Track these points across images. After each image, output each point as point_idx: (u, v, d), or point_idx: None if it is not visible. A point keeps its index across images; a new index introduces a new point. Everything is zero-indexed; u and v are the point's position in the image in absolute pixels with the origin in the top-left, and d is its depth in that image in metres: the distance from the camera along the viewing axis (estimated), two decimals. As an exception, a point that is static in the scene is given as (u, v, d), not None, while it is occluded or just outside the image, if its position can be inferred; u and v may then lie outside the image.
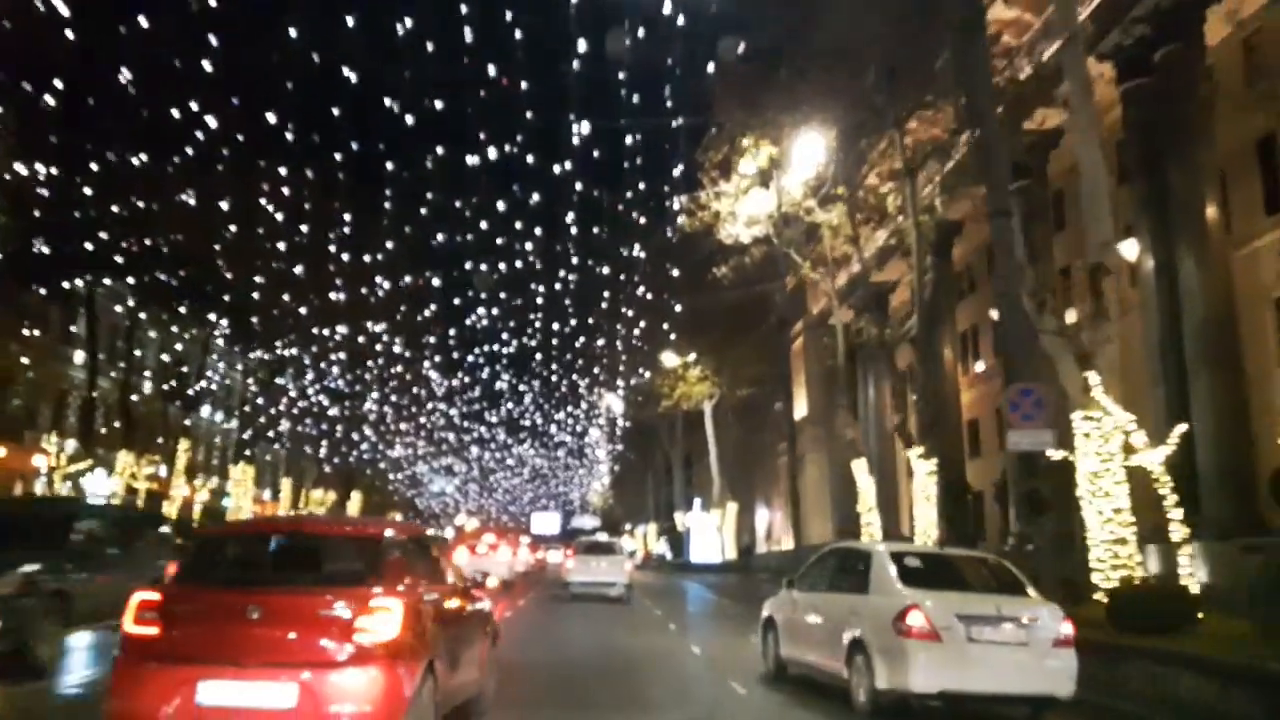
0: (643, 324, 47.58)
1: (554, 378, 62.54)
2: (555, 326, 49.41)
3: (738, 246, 28.93)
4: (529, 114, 27.74)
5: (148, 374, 44.28)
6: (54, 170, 28.86)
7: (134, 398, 40.36)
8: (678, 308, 42.45)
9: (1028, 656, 9.36)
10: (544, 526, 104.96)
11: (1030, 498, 16.79)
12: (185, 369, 43.92)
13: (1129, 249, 19.44)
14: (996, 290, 17.26)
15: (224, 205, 33.37)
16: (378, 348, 48.08)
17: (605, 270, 44.63)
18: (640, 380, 52.62)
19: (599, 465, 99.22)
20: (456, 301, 49.94)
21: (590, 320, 51.07)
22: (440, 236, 37.78)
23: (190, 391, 42.04)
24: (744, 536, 54.74)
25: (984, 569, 11.03)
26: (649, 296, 45.63)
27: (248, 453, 47.44)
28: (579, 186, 31.48)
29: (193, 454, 49.20)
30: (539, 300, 46.09)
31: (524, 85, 25.43)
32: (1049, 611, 9.70)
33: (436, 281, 45.32)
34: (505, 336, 54.65)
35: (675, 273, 41.10)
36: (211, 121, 29.10)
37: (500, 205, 36.62)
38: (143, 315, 39.56)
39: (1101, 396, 14.04)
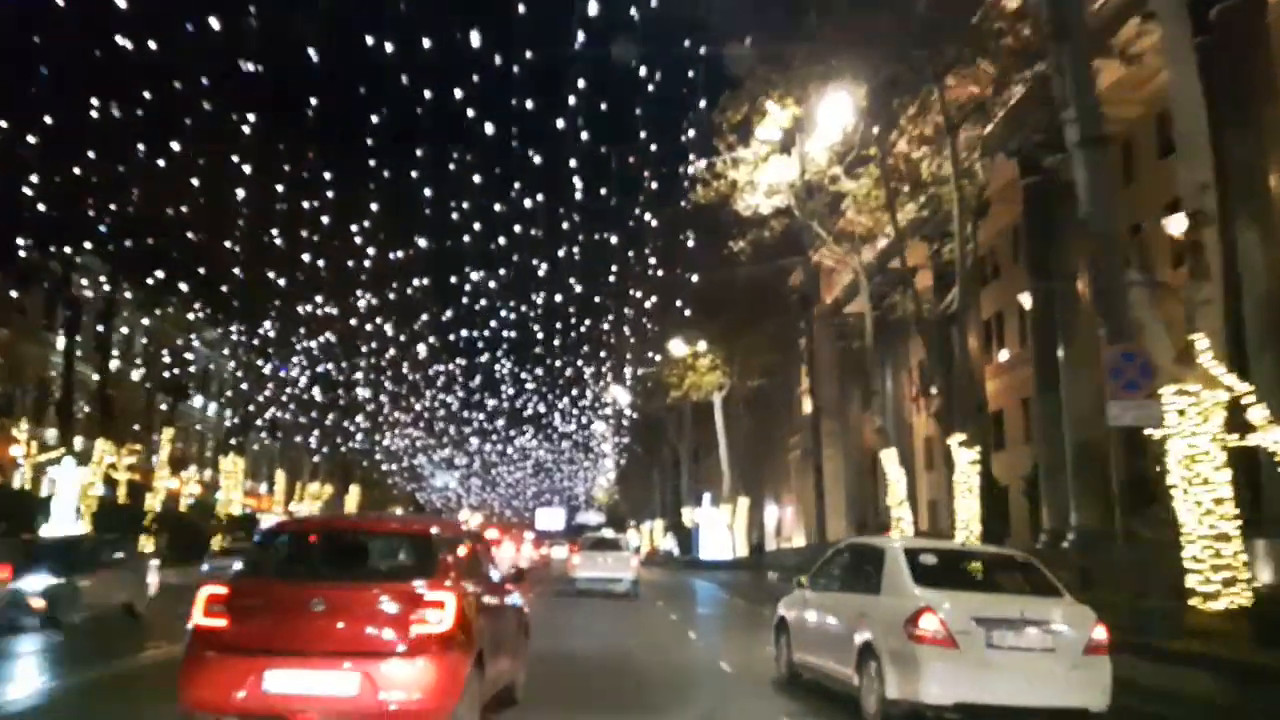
0: (653, 300, 45.59)
1: (557, 363, 60.49)
2: (559, 301, 47.26)
3: (756, 219, 26.72)
4: (528, 53, 24.98)
5: (131, 360, 41.93)
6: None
7: (113, 383, 38.22)
8: (693, 279, 40.52)
9: (1055, 665, 8.70)
10: (549, 522, 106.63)
11: (1134, 484, 14.69)
12: (168, 354, 41.65)
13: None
14: (1093, 228, 15.00)
15: (193, 167, 31.24)
16: (368, 328, 45.99)
17: (613, 240, 42.95)
18: (648, 368, 50.64)
19: (604, 460, 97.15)
20: (452, 279, 47.42)
21: (596, 298, 49.38)
22: (430, 195, 34.67)
23: (168, 375, 39.93)
24: (754, 533, 52.69)
25: (1010, 567, 10.31)
26: (659, 273, 43.52)
27: (236, 442, 45.37)
28: (584, 139, 28.89)
29: (182, 444, 47.43)
30: (541, 273, 44.23)
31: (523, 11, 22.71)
32: (1080, 615, 9.02)
33: (424, 242, 42.88)
34: (505, 314, 52.32)
35: (690, 243, 39.89)
36: (177, 78, 27.78)
37: (497, 168, 34.14)
38: (120, 294, 37.40)
39: (1211, 364, 12.69)
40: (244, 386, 48.40)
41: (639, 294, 47.04)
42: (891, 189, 23.67)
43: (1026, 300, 26.08)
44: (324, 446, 57.30)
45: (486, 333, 55.63)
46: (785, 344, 52.84)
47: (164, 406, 40.72)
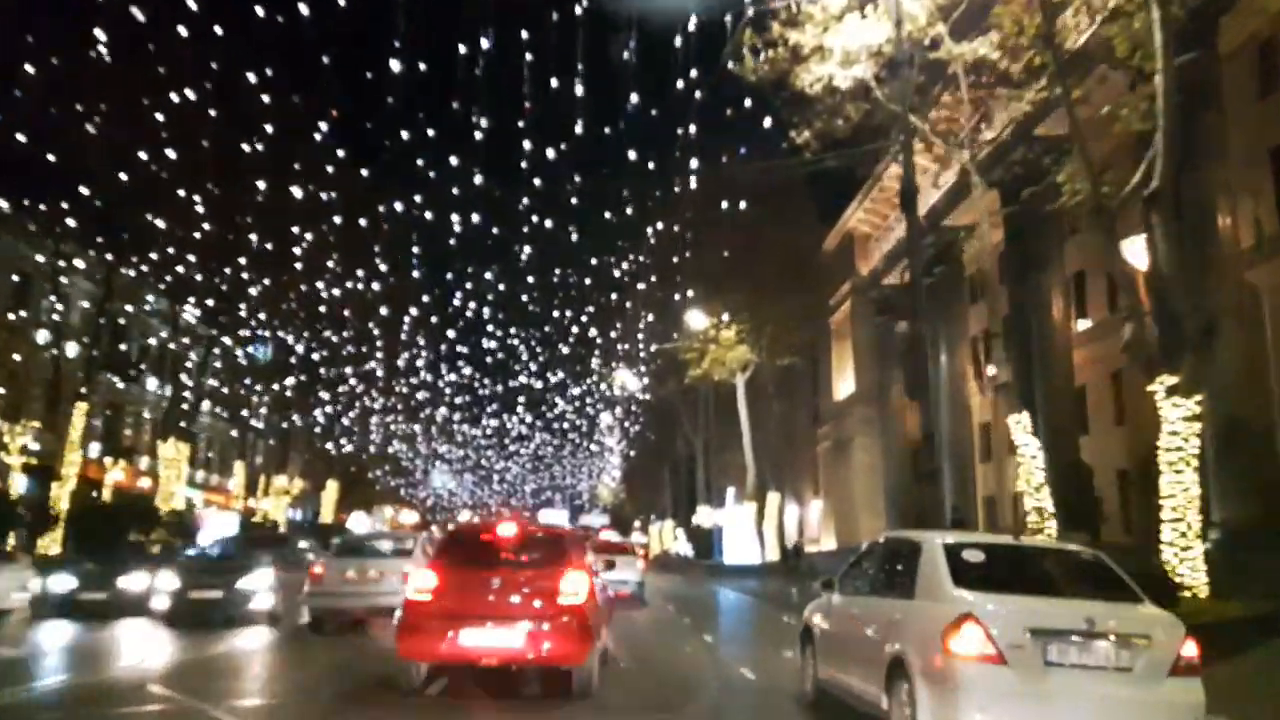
0: (672, 261, 39.45)
1: (555, 335, 54.32)
2: (557, 268, 41.22)
3: (823, 99, 19.84)
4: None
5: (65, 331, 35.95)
6: None
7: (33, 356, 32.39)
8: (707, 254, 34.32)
9: (1132, 688, 7.36)
10: (551, 523, 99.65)
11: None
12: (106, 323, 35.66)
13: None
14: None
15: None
16: (335, 292, 40.09)
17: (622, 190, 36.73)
18: (662, 345, 44.63)
19: (610, 456, 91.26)
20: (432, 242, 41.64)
21: (601, 258, 43.40)
22: (404, 138, 28.74)
23: (95, 350, 34.04)
24: (786, 534, 46.65)
25: (1074, 566, 8.87)
26: (674, 231, 37.51)
27: (183, 426, 39.19)
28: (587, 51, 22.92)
29: (114, 423, 41.39)
30: (534, 220, 38.10)
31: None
32: (1165, 624, 7.68)
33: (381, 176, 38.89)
34: (492, 279, 46.27)
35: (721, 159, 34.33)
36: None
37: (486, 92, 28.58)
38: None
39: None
40: (193, 358, 42.17)
41: (654, 252, 40.90)
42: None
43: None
44: (286, 430, 51.03)
45: (483, 308, 49.27)
46: (815, 325, 46.70)
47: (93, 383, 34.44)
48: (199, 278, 35.75)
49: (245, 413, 46.13)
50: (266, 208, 33.98)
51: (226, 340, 40.88)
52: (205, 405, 44.90)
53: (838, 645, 10.03)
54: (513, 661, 10.10)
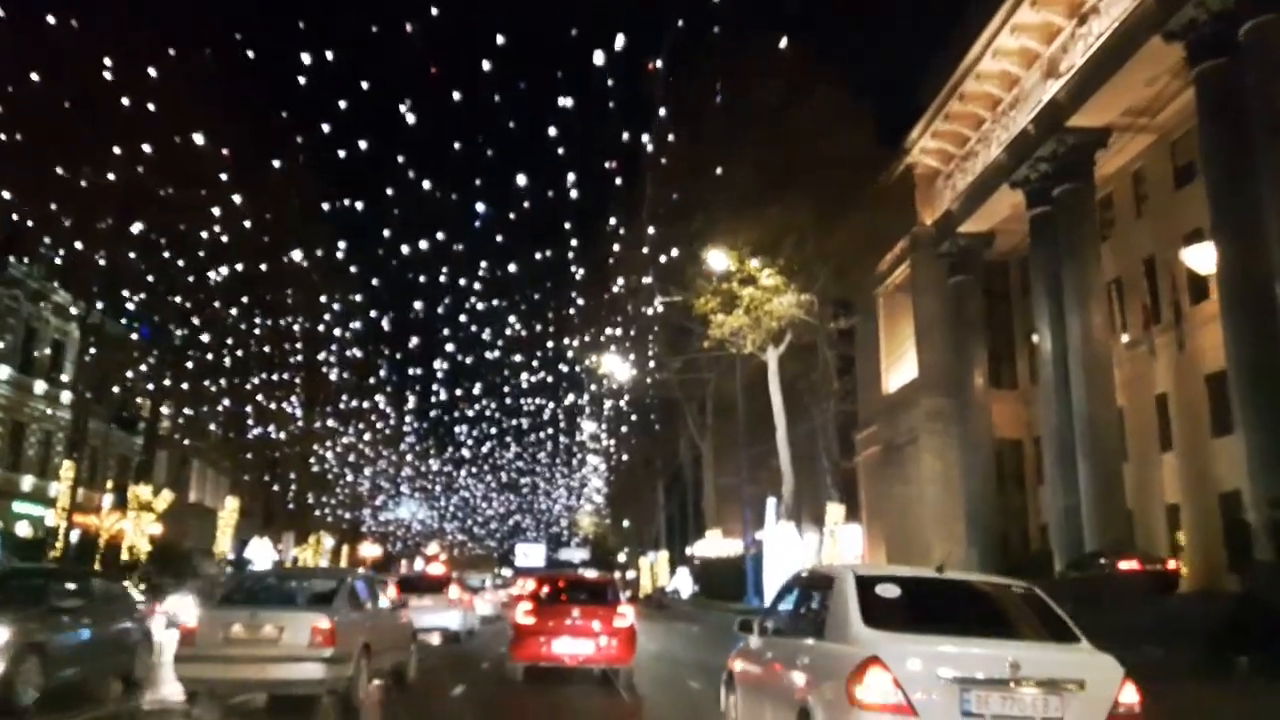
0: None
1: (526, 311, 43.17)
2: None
3: None
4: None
5: None
6: None
7: None
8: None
9: None
10: (528, 558, 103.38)
11: None
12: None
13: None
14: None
15: None
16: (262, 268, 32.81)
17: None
18: (671, 298, 33.87)
19: (591, 477, 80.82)
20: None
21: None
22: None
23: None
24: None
25: (1005, 603, 8.21)
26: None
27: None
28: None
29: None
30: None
31: None
32: (1101, 668, 7.01)
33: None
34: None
35: None
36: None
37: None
38: None
39: None
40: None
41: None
42: None
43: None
44: (151, 425, 39.23)
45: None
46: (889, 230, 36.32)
47: None
48: None
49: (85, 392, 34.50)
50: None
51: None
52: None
53: (754, 692, 9.36)
54: (586, 663, 15.38)
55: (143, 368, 34.66)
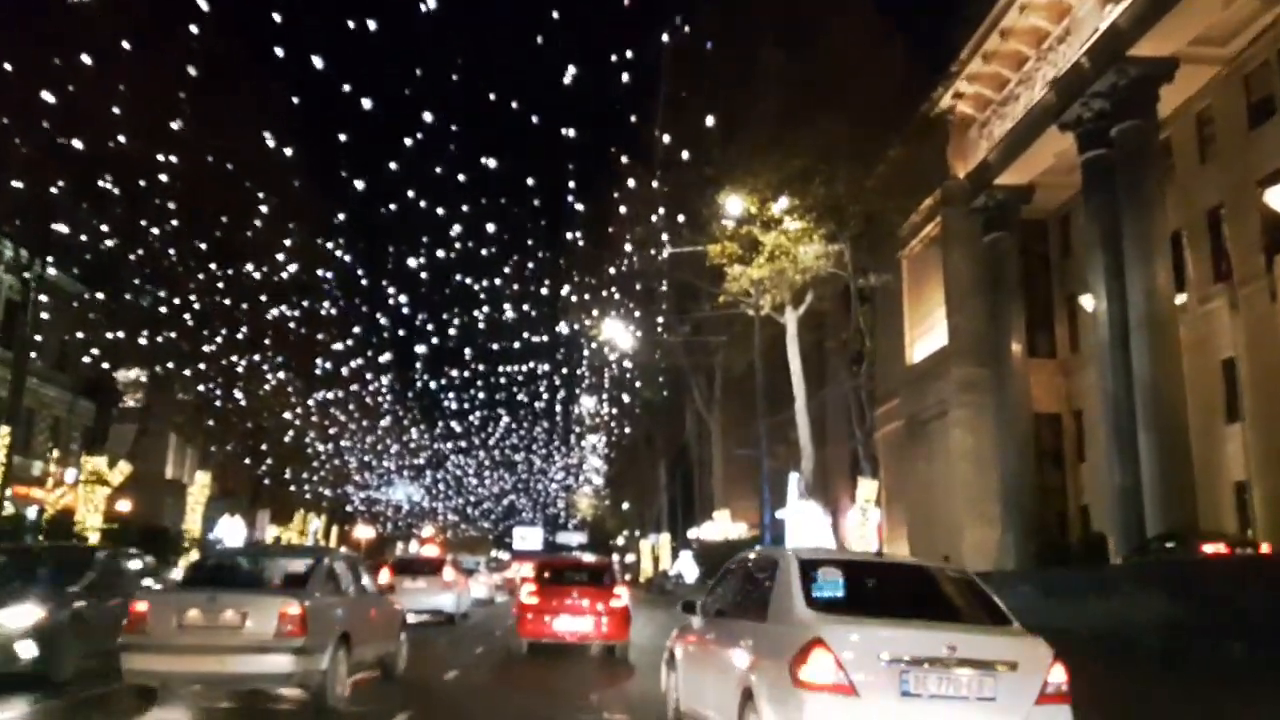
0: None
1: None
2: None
3: None
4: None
5: None
6: None
7: None
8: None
9: (996, 718, 7.02)
10: (526, 542, 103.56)
11: None
12: None
13: None
14: None
15: None
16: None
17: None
18: (681, 248, 30.97)
19: (590, 456, 78.51)
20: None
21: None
22: None
23: None
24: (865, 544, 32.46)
25: (941, 586, 8.49)
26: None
27: None
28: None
29: None
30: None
31: None
32: (1032, 650, 7.22)
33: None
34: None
35: None
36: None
37: None
38: None
39: None
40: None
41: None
42: None
43: None
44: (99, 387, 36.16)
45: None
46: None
47: None
48: None
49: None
50: None
51: None
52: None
53: (696, 673, 9.65)
54: (585, 640, 17.16)
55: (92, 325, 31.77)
